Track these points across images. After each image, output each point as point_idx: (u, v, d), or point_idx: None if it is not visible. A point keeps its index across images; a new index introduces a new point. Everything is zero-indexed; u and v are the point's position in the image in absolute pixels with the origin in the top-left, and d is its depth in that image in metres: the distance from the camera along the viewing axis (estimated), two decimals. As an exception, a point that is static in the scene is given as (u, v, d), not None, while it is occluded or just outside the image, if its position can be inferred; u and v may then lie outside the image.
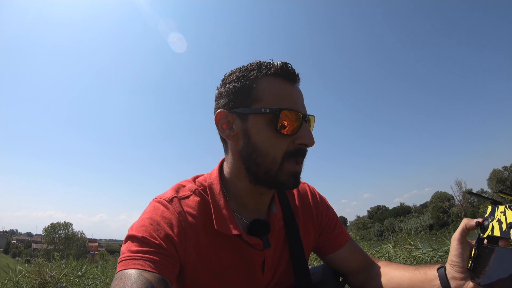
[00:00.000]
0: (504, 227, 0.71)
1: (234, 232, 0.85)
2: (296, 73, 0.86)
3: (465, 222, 0.79)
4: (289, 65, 0.86)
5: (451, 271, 0.80)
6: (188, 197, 0.88)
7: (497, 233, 0.72)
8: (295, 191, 1.06)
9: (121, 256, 0.75)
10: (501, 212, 0.73)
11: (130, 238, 0.78)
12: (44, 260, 4.48)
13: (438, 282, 0.83)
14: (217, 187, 0.90)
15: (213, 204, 0.87)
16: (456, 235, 0.79)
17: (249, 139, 0.83)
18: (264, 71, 0.84)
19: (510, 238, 0.68)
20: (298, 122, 0.82)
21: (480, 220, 0.78)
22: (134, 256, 0.73)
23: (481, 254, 0.76)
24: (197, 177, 0.99)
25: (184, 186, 0.93)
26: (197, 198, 0.88)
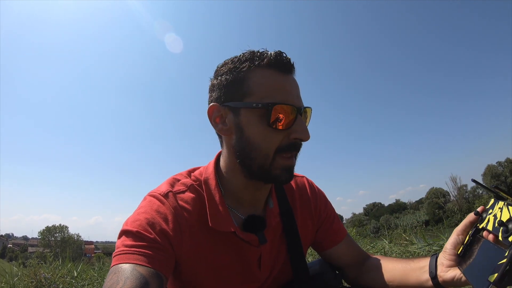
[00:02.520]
0: (495, 223, 0.71)
1: (228, 228, 0.84)
2: (291, 63, 0.82)
3: (469, 216, 0.81)
4: (283, 55, 0.82)
5: (441, 257, 0.82)
6: (183, 192, 0.87)
7: (490, 227, 0.73)
8: (293, 185, 1.04)
9: (115, 251, 0.74)
10: (499, 208, 0.73)
11: (124, 232, 0.77)
12: (39, 262, 4.44)
13: (427, 268, 0.85)
14: (212, 182, 0.89)
15: (208, 200, 0.86)
16: (458, 227, 0.81)
17: (242, 133, 0.81)
18: (256, 63, 0.81)
19: (498, 236, 0.69)
20: (292, 116, 0.79)
21: (479, 209, 0.80)
22: (128, 250, 0.72)
23: (473, 243, 0.77)
24: (193, 170, 0.97)
25: (179, 180, 0.91)
26: (192, 194, 0.87)
